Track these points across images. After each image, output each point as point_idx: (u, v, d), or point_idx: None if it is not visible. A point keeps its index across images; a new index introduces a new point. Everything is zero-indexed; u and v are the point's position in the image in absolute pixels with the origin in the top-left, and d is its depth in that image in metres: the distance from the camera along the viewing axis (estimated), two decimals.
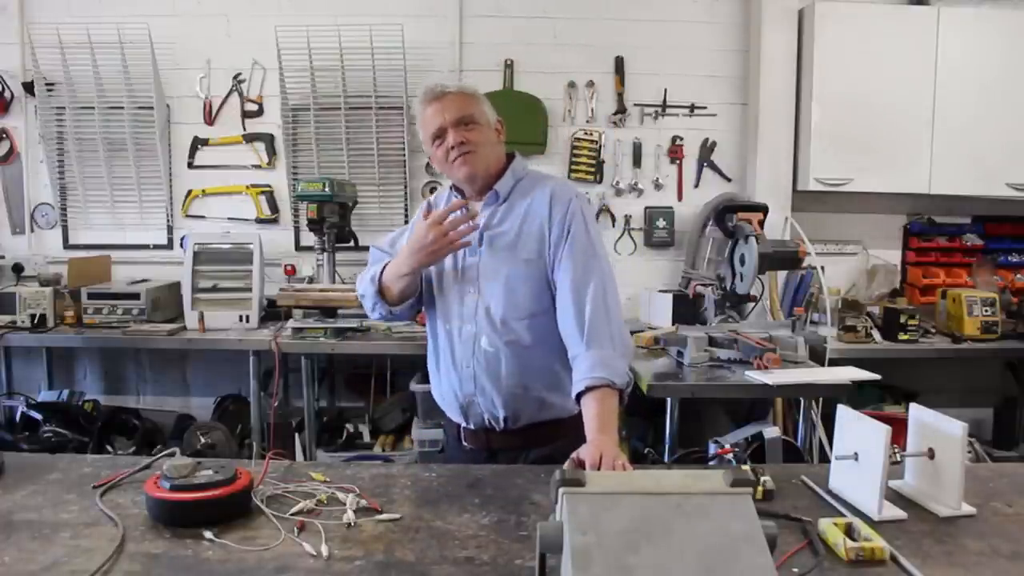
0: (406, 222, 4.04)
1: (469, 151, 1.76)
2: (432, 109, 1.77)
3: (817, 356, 3.13)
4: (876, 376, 2.85)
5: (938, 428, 1.43)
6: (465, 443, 1.87)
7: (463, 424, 1.87)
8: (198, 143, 4.06)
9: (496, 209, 1.83)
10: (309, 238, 3.84)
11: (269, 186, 4.08)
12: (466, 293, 1.81)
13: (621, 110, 4.06)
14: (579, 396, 1.63)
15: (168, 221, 4.09)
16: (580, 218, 1.77)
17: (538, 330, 1.77)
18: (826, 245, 4.11)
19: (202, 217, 4.09)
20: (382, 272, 1.85)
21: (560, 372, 1.79)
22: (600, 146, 4.06)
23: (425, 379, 2.31)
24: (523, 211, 1.80)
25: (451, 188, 1.92)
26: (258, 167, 4.08)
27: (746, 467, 1.54)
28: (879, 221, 4.24)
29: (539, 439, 1.80)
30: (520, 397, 1.78)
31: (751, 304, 3.60)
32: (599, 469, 1.41)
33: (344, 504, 1.41)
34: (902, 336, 3.65)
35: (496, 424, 1.81)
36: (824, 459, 3.16)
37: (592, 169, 4.07)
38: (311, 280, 3.85)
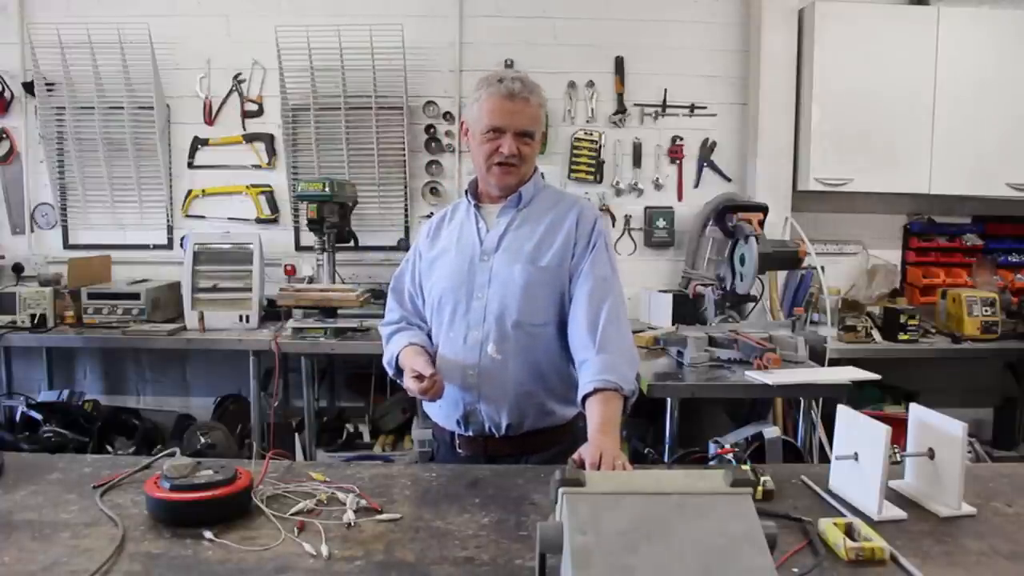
0: (406, 222, 4.07)
1: (515, 165, 1.78)
2: (503, 104, 1.75)
3: (817, 356, 3.13)
4: (876, 376, 2.86)
5: (938, 428, 1.43)
6: (460, 450, 1.83)
7: (459, 431, 1.83)
8: (198, 143, 4.06)
9: (516, 214, 1.84)
10: (309, 238, 3.83)
11: (269, 186, 4.08)
12: (474, 298, 1.79)
13: (621, 110, 4.06)
14: (584, 399, 1.63)
15: (168, 221, 4.09)
16: (604, 240, 1.82)
17: (548, 337, 1.78)
18: (826, 245, 4.11)
19: (202, 217, 4.09)
20: (399, 356, 1.85)
21: (564, 380, 1.80)
22: (600, 146, 4.06)
23: None
24: (548, 221, 1.82)
25: (466, 194, 1.91)
26: (258, 167, 4.08)
27: (746, 467, 1.54)
28: (879, 221, 4.24)
29: (536, 446, 1.79)
30: (525, 404, 1.77)
31: (751, 304, 3.60)
32: (599, 468, 1.41)
33: (344, 504, 1.40)
34: (902, 336, 3.65)
35: (496, 431, 1.78)
36: (824, 459, 3.16)
37: (592, 169, 4.07)
38: (311, 280, 3.85)
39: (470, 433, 1.81)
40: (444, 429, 1.87)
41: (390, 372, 1.90)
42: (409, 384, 1.73)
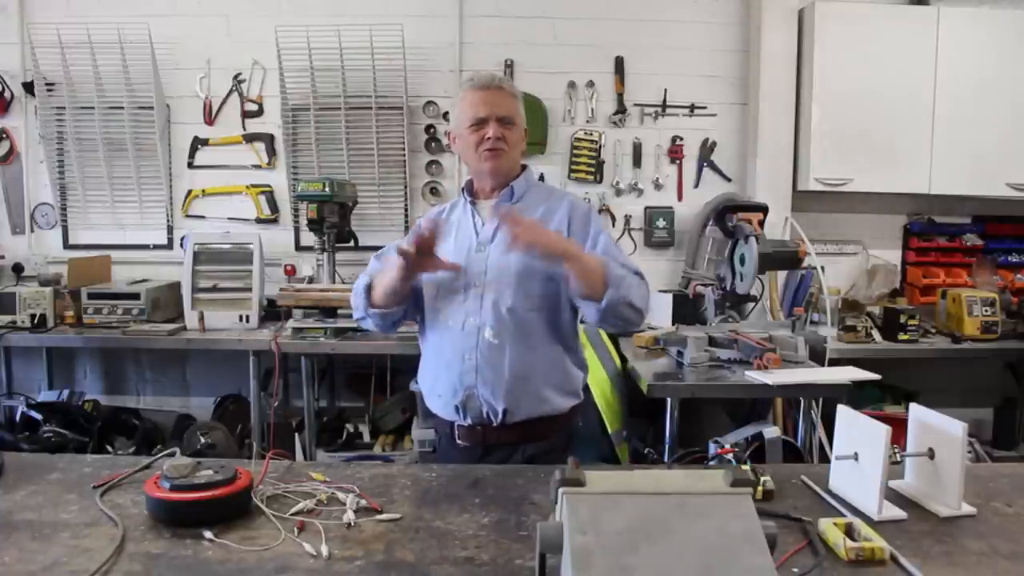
0: (406, 222, 4.07)
1: (502, 149, 1.86)
2: (480, 96, 1.85)
3: (817, 356, 3.13)
4: (876, 376, 2.86)
5: (938, 428, 1.43)
6: (459, 441, 1.88)
7: (458, 421, 1.87)
8: (198, 143, 4.06)
9: (510, 207, 1.89)
10: (309, 238, 3.83)
11: (269, 186, 4.08)
12: (470, 287, 1.85)
13: (621, 110, 4.06)
14: None
15: (168, 221, 4.09)
16: (605, 233, 1.92)
17: (545, 324, 1.84)
18: (826, 245, 4.11)
19: (202, 217, 4.09)
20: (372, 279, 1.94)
21: (562, 368, 1.88)
22: (600, 146, 4.06)
23: None
24: (540, 212, 1.90)
25: (463, 191, 1.99)
26: (258, 167, 4.08)
27: (746, 467, 1.54)
28: (879, 221, 4.24)
29: (534, 434, 1.85)
30: (521, 389, 1.82)
31: (751, 304, 3.60)
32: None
33: (344, 504, 1.40)
34: (902, 336, 3.65)
35: (494, 418, 1.83)
36: (824, 459, 3.16)
37: (592, 169, 4.07)
38: (311, 280, 3.85)
39: (468, 421, 1.86)
40: (444, 421, 1.92)
41: (360, 295, 1.92)
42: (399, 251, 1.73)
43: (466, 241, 1.90)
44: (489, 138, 1.83)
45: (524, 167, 1.98)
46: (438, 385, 1.90)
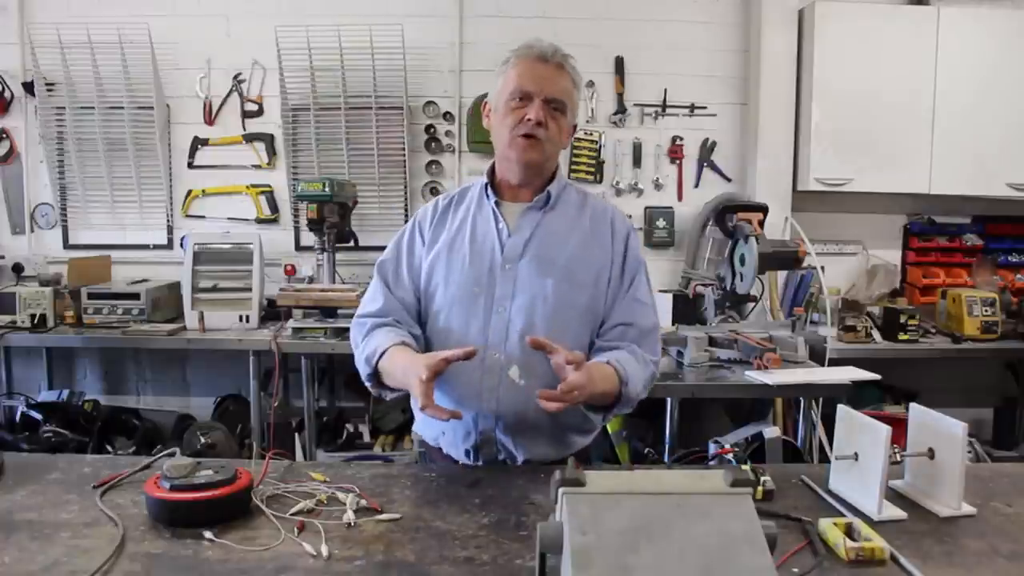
0: (406, 222, 4.06)
1: (542, 138, 1.54)
2: (533, 67, 1.54)
3: (817, 356, 3.13)
4: (876, 376, 2.86)
5: (938, 428, 1.43)
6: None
7: (468, 463, 1.63)
8: (198, 143, 4.06)
9: (543, 216, 1.62)
10: (309, 238, 3.83)
11: (269, 186, 4.08)
12: (493, 312, 1.56)
13: (621, 110, 4.06)
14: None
15: (168, 221, 4.09)
16: (643, 267, 1.67)
17: None
18: (826, 245, 4.11)
19: (202, 217, 4.09)
20: (382, 355, 1.55)
21: (590, 413, 1.66)
22: (600, 146, 4.07)
23: None
24: (582, 230, 1.62)
25: (485, 188, 1.66)
26: (258, 167, 4.08)
27: (746, 467, 1.53)
28: (879, 221, 4.24)
29: (548, 471, 1.62)
30: (547, 436, 1.61)
31: (751, 304, 3.60)
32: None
33: (344, 504, 1.40)
34: (902, 336, 3.65)
35: (511, 463, 1.62)
36: (824, 459, 3.16)
37: (592, 169, 4.07)
38: (311, 280, 3.84)
39: (480, 463, 1.62)
40: (449, 459, 1.66)
41: (365, 372, 1.60)
42: (412, 382, 1.42)
43: (488, 252, 1.59)
44: (529, 119, 1.51)
45: (557, 167, 1.69)
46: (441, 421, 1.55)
